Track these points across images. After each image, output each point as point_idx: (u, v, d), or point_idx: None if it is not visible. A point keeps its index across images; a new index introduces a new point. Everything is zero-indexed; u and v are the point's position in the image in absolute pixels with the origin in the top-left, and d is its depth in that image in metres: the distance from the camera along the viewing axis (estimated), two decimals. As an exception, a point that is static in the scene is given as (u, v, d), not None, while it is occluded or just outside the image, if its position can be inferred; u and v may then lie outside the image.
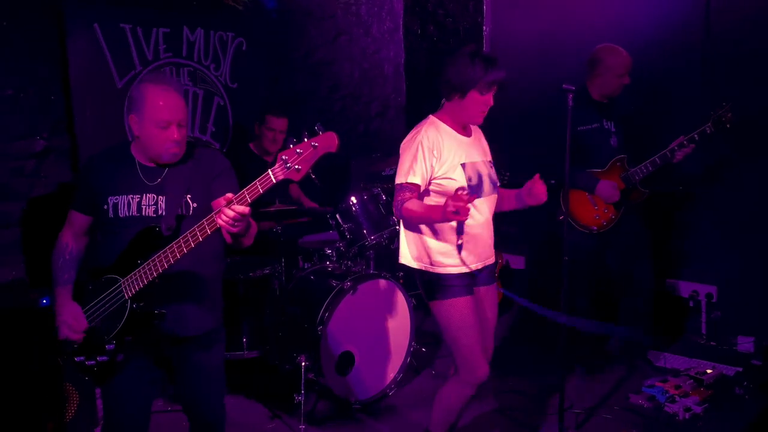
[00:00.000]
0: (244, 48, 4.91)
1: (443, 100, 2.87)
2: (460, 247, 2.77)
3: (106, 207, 2.37)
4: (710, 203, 4.37)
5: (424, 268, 2.86)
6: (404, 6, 6.26)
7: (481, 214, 2.83)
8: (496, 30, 5.51)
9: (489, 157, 2.96)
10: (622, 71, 3.82)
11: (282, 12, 5.18)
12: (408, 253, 2.92)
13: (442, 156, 2.75)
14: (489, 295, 2.99)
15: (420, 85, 6.21)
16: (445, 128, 2.83)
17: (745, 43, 4.08)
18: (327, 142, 2.07)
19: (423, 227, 2.83)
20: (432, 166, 2.75)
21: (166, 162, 2.39)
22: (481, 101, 2.72)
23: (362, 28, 5.94)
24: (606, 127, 3.92)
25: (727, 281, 4.33)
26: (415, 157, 2.74)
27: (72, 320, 2.35)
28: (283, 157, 2.05)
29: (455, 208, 2.41)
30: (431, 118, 2.87)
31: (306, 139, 2.06)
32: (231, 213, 2.06)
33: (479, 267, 2.87)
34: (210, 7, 4.62)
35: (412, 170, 2.74)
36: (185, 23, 4.51)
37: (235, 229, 2.11)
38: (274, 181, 2.07)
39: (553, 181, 3.84)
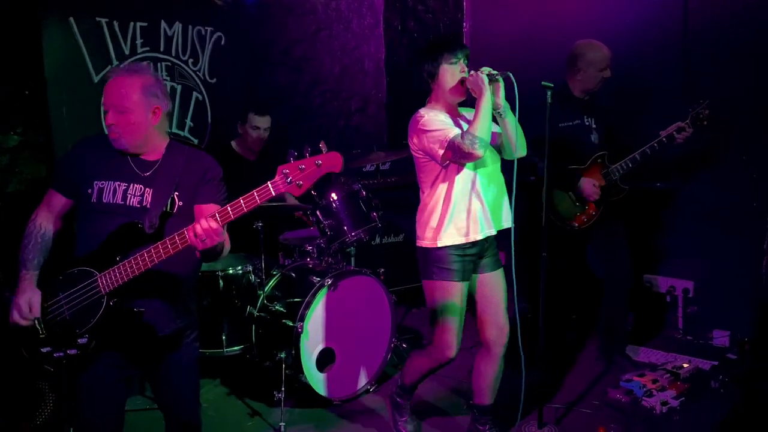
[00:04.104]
0: (222, 43, 4.86)
1: (428, 99, 3.00)
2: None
3: (90, 191, 2.34)
4: (688, 200, 4.42)
5: (428, 245, 2.98)
6: (385, 1, 6.24)
7: (489, 172, 2.98)
8: (477, 26, 5.51)
9: None
10: (604, 65, 3.83)
11: (261, 7, 5.14)
12: (422, 233, 3.02)
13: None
14: (495, 279, 3.10)
15: (400, 81, 6.18)
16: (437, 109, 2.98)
17: (723, 39, 4.13)
18: (332, 161, 2.05)
19: (442, 201, 2.93)
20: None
21: (117, 149, 2.36)
22: (455, 71, 2.87)
23: (342, 23, 5.91)
24: (587, 123, 3.93)
25: (704, 277, 4.39)
26: (436, 122, 2.85)
27: (24, 306, 2.29)
28: (285, 171, 2.02)
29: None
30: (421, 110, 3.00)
31: (308, 155, 2.03)
32: (199, 229, 2.06)
33: (493, 233, 3.01)
34: (188, 1, 4.57)
35: (443, 128, 2.82)
36: (163, 17, 4.45)
37: (202, 246, 2.10)
38: (273, 194, 2.05)
39: (533, 178, 3.85)
